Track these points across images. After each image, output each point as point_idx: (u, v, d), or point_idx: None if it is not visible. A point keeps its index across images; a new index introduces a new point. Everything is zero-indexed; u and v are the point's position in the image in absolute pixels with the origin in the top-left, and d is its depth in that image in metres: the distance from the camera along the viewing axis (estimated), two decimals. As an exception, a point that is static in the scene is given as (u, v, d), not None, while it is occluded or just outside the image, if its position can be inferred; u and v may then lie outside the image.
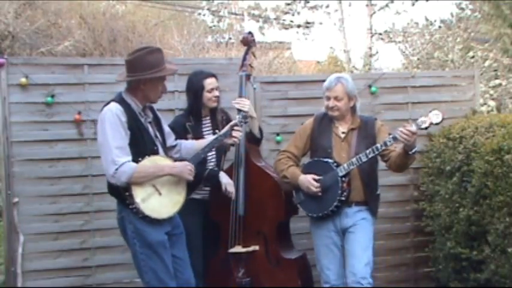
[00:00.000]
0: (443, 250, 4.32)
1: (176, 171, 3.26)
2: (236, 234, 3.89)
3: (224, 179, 3.85)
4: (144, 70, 3.21)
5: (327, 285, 3.67)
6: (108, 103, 3.27)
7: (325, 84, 3.69)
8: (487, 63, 9.20)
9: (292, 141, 3.88)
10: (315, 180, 3.59)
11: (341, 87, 3.62)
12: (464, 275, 4.15)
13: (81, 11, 11.94)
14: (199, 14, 16.50)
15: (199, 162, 3.51)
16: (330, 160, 3.60)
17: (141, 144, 3.23)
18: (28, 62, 4.33)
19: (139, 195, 3.17)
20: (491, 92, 8.62)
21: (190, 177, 3.30)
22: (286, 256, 3.92)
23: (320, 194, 3.58)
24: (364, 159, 3.50)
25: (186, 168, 3.28)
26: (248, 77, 3.99)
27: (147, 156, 3.21)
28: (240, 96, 3.94)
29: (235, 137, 3.55)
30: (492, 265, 3.76)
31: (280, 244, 3.93)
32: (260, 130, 4.06)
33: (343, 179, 3.54)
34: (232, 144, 3.83)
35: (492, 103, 8.32)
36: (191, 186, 3.50)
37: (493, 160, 3.70)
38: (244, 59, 4.01)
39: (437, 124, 3.37)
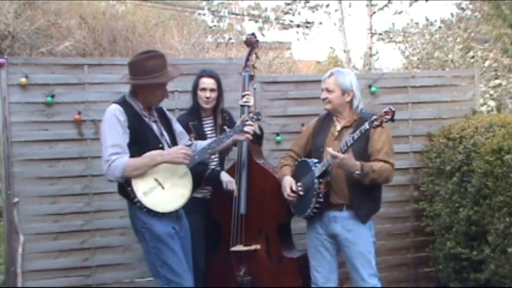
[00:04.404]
0: (443, 250, 4.32)
1: (168, 158, 3.22)
2: (238, 232, 3.89)
3: (225, 177, 3.87)
4: (141, 75, 3.22)
5: (314, 287, 3.62)
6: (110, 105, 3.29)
7: None
8: (487, 63, 9.21)
9: (297, 139, 3.86)
10: (297, 182, 3.54)
11: (333, 80, 3.54)
12: (464, 275, 4.15)
13: (81, 11, 11.93)
14: (199, 14, 16.48)
15: (202, 162, 3.49)
16: (312, 160, 3.52)
17: (144, 142, 3.23)
18: (28, 62, 4.32)
19: (141, 188, 3.18)
20: (491, 92, 8.63)
21: (186, 161, 3.24)
22: (288, 255, 3.91)
23: (291, 199, 3.56)
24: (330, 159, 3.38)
25: (179, 153, 3.22)
26: (251, 77, 4.01)
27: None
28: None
29: (247, 132, 3.49)
30: (492, 265, 3.76)
31: (281, 243, 3.93)
32: (260, 128, 4.07)
33: (320, 180, 3.43)
34: (235, 145, 3.84)
35: (492, 103, 8.33)
36: (193, 186, 3.46)
37: (493, 160, 3.70)
38: (247, 59, 4.03)
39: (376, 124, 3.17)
